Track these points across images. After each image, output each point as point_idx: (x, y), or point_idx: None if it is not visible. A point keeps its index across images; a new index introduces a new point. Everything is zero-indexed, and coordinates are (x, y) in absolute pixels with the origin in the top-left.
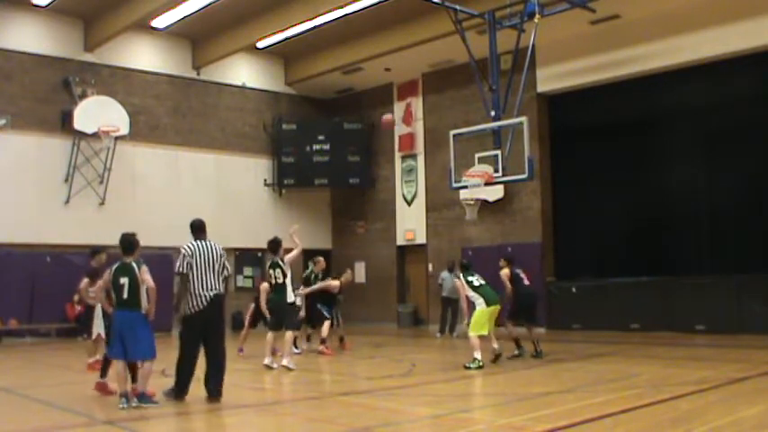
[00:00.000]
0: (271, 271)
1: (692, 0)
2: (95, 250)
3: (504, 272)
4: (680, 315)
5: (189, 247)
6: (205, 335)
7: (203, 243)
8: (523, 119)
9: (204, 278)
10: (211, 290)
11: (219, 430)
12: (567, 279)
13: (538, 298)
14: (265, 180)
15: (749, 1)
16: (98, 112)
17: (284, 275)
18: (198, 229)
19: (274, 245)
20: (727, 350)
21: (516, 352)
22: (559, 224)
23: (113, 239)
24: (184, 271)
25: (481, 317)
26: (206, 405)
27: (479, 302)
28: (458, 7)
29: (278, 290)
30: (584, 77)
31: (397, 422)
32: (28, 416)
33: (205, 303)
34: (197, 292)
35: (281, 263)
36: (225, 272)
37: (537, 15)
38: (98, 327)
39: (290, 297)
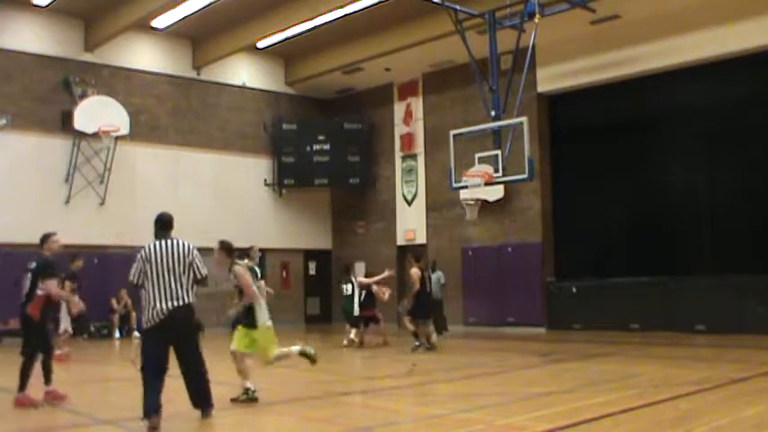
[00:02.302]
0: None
1: (692, 0)
2: (75, 255)
3: (414, 271)
4: (680, 315)
5: (146, 249)
6: (175, 351)
7: (164, 243)
8: (523, 119)
9: (160, 287)
10: (170, 300)
11: (219, 430)
12: (567, 279)
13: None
14: (265, 180)
15: (749, 1)
16: (98, 112)
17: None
18: (160, 225)
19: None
20: (727, 350)
21: (417, 343)
22: (559, 224)
23: (113, 239)
24: (135, 281)
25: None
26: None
27: (265, 314)
28: (458, 7)
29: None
30: (584, 77)
31: (398, 422)
32: (28, 415)
33: (161, 318)
34: (151, 303)
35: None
36: (196, 275)
37: (537, 15)
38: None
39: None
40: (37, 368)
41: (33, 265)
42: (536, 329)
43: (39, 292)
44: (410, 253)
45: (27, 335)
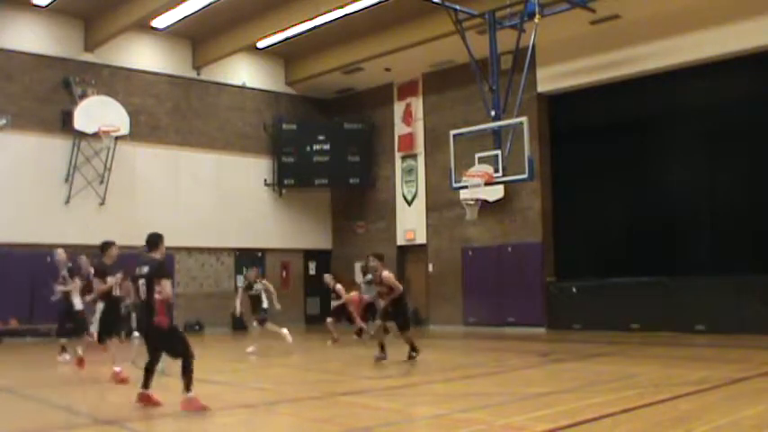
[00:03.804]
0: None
1: (692, 0)
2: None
3: (387, 273)
4: (680, 315)
5: None
6: None
7: None
8: (523, 119)
9: None
10: None
11: (220, 430)
12: (567, 279)
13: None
14: (265, 180)
15: (749, 1)
16: (98, 112)
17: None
18: None
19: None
20: (728, 350)
21: (380, 355)
22: (559, 224)
23: (113, 239)
24: None
25: None
26: (207, 404)
27: None
28: (458, 7)
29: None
30: (584, 77)
31: (397, 422)
32: (30, 416)
33: None
34: None
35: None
36: None
37: (537, 15)
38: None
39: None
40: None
41: (146, 269)
42: (536, 329)
43: (156, 296)
44: (371, 254)
45: (163, 347)
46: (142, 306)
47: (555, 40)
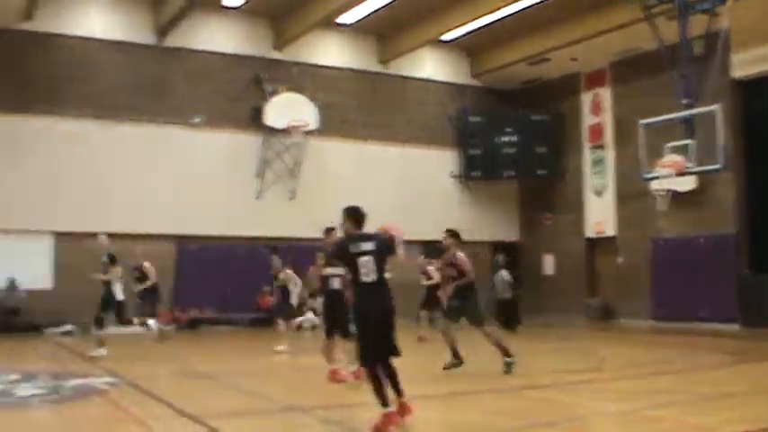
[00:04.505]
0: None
1: None
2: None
3: (462, 255)
4: None
5: None
6: None
7: None
8: (716, 107)
9: None
10: None
11: (415, 422)
12: (764, 272)
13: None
14: (452, 172)
15: None
16: (288, 108)
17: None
18: None
19: None
20: None
21: (453, 361)
22: (755, 214)
23: (303, 232)
24: None
25: None
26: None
27: None
28: None
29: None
30: None
31: (582, 417)
32: (224, 400)
33: None
34: None
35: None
36: None
37: None
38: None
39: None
40: None
41: (371, 245)
42: (729, 326)
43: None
44: (446, 229)
45: (391, 336)
46: (364, 287)
47: (750, 23)
